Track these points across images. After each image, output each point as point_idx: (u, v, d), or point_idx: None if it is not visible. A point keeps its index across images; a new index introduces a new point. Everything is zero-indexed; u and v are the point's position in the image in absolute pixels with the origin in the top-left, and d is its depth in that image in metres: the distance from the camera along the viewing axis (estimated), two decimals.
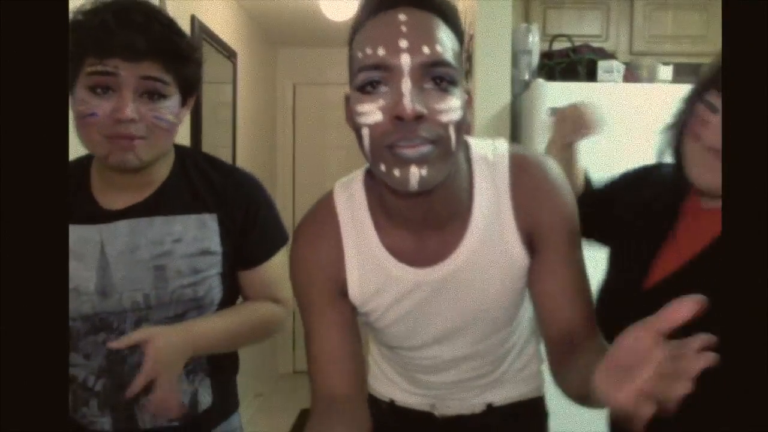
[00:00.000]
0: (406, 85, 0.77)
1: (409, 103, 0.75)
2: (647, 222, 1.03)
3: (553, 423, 1.16)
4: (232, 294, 1.17)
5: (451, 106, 0.79)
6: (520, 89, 2.55)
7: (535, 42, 2.56)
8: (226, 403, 1.20)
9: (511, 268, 0.93)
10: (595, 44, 2.68)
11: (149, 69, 0.98)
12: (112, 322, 1.06)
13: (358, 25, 0.84)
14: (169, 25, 1.02)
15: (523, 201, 0.92)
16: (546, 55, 2.63)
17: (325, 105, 4.49)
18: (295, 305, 1.04)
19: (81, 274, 1.04)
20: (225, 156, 3.20)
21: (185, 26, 2.64)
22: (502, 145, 0.96)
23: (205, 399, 1.13)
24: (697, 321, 0.61)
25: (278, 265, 1.18)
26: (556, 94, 2.26)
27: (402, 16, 0.79)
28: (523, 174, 0.92)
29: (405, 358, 1.07)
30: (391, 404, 1.14)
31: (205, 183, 1.11)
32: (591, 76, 2.48)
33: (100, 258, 1.05)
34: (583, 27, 2.89)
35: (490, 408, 1.09)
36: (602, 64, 2.45)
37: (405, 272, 0.93)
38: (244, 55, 3.56)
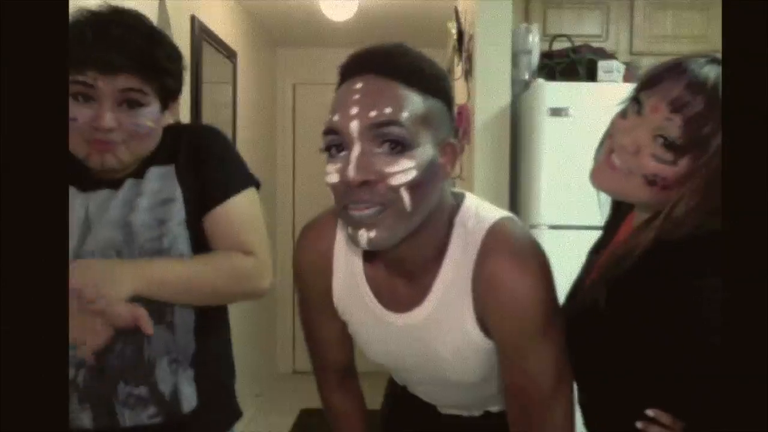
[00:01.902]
0: (355, 151, 0.80)
1: (352, 170, 0.79)
2: (605, 229, 1.07)
3: None
4: (201, 250, 1.12)
5: (403, 168, 0.80)
6: (520, 89, 2.54)
7: (535, 42, 2.56)
8: (222, 410, 1.17)
9: (467, 343, 0.93)
10: (595, 44, 2.68)
11: (127, 81, 1.00)
12: None
13: (336, 89, 0.88)
14: (149, 35, 1.03)
15: (481, 288, 0.89)
16: (546, 55, 2.62)
17: (325, 105, 4.36)
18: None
19: None
20: None
21: (185, 26, 2.64)
22: (491, 215, 0.92)
23: (188, 392, 1.09)
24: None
25: (243, 206, 1.13)
26: (556, 94, 2.25)
27: (359, 84, 0.83)
28: (490, 258, 0.88)
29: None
30: (404, 389, 1.18)
31: (167, 142, 1.12)
32: (591, 76, 2.48)
33: (83, 224, 1.06)
34: (583, 27, 2.89)
35: (488, 413, 1.11)
36: (602, 64, 2.45)
37: (374, 306, 0.97)
38: (244, 55, 3.56)
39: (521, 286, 0.86)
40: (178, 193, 1.08)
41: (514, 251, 0.88)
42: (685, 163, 0.83)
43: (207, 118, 2.87)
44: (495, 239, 0.89)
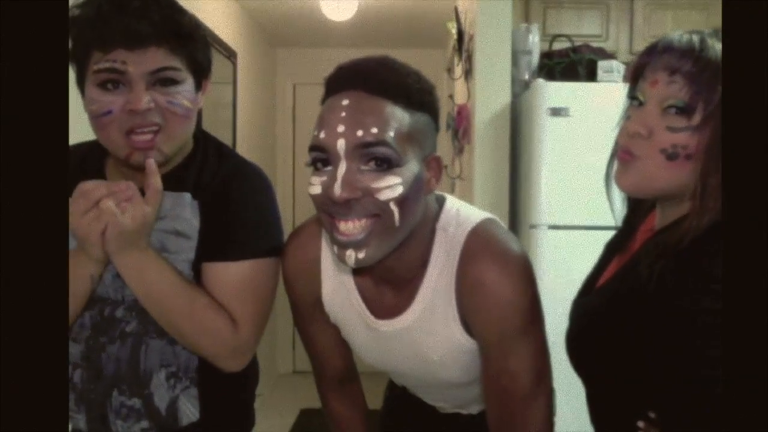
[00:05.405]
0: (341, 168, 0.81)
1: (338, 188, 0.80)
2: (620, 230, 1.04)
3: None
4: None
5: (390, 184, 0.81)
6: (520, 89, 2.55)
7: (535, 42, 2.56)
8: (229, 422, 1.09)
9: (454, 346, 0.95)
10: (595, 44, 2.68)
11: (156, 56, 0.95)
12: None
13: (322, 103, 0.87)
14: (170, 4, 0.98)
15: (463, 290, 0.91)
16: (546, 55, 2.62)
17: None
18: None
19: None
20: None
21: None
22: (471, 218, 0.93)
23: (187, 409, 1.03)
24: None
25: (250, 275, 1.02)
26: (556, 94, 2.25)
27: (345, 101, 0.82)
28: (471, 261, 0.90)
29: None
30: (404, 389, 1.18)
31: (201, 169, 1.05)
32: (591, 76, 2.48)
33: None
34: (583, 27, 2.89)
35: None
36: (602, 64, 2.45)
37: (364, 313, 0.98)
38: (244, 55, 3.56)
39: (502, 288, 0.88)
40: (194, 233, 1.01)
41: (494, 253, 0.89)
42: (702, 128, 0.80)
43: (207, 118, 2.87)
44: (475, 243, 0.90)
